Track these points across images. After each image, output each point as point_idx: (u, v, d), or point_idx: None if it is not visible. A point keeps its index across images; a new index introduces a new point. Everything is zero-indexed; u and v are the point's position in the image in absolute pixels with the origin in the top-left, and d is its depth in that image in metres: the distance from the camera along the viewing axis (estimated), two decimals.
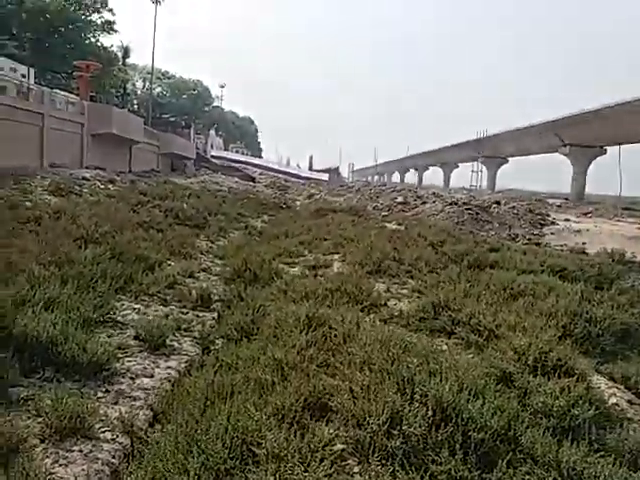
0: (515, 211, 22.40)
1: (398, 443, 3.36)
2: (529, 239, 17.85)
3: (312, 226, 16.15)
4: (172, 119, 64.40)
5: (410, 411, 3.58)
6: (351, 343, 4.93)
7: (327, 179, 76.26)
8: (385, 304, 7.44)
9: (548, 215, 22.57)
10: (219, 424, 3.47)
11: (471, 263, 10.12)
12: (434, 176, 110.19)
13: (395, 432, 3.45)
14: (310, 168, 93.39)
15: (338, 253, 11.53)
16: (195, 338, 6.11)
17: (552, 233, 18.89)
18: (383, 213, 23.86)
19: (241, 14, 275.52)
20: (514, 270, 9.46)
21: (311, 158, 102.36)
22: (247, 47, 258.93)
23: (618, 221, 25.26)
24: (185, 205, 17.27)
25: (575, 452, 3.38)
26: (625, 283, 9.50)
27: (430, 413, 3.57)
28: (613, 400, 4.51)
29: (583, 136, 56.31)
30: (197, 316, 6.99)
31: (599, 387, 4.70)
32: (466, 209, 21.53)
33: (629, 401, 4.64)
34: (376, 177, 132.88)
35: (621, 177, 35.01)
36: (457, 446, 3.35)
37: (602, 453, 3.52)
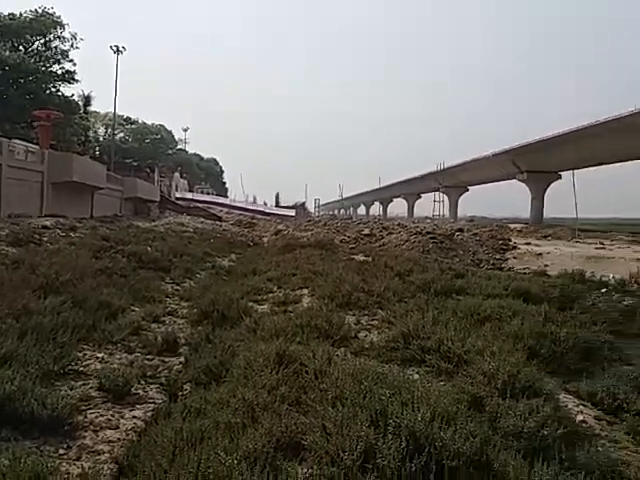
0: (478, 238, 23.02)
1: (372, 478, 3.31)
2: (493, 264, 18.32)
3: (280, 262, 16.11)
4: (135, 163, 63.97)
5: (384, 444, 3.55)
6: (323, 379, 4.88)
7: (294, 214, 76.74)
8: (356, 336, 7.45)
9: (510, 240, 23.24)
10: (188, 472, 3.35)
11: (438, 291, 10.27)
12: (398, 207, 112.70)
13: (369, 466, 3.41)
14: (277, 205, 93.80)
15: (307, 288, 11.50)
16: (162, 385, 5.92)
17: (514, 257, 19.45)
18: (350, 245, 24.11)
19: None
20: (480, 295, 9.65)
21: (277, 195, 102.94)
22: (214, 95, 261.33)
23: (577, 242, 26.20)
24: (149, 248, 16.95)
25: (547, 472, 3.40)
26: (586, 302, 9.81)
27: (404, 444, 3.54)
28: (581, 417, 4.58)
29: (538, 163, 58.88)
30: (163, 362, 6.79)
31: (567, 406, 4.78)
32: (430, 238, 21.99)
33: (596, 417, 4.73)
34: (342, 211, 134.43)
35: (576, 200, 36.55)
36: (431, 476, 3.32)
37: (573, 471, 3.55)
